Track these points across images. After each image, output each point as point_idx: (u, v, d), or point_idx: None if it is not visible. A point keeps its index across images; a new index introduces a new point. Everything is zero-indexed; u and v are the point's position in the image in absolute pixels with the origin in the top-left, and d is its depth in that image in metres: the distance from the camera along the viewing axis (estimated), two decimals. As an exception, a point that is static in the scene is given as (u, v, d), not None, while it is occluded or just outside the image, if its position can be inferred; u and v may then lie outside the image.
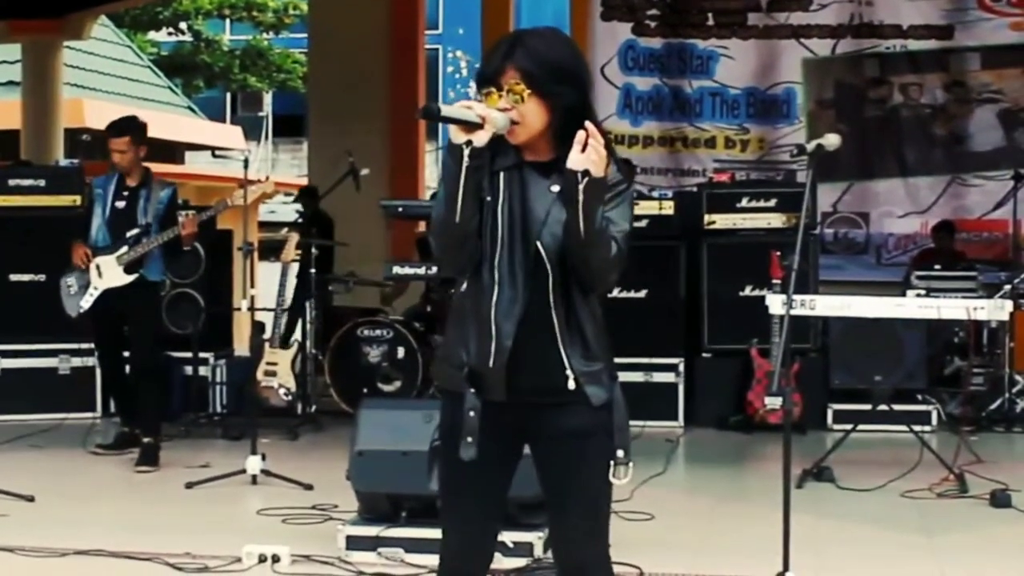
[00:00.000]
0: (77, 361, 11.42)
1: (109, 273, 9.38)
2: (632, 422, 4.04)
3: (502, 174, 3.97)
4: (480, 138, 3.82)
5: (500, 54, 3.95)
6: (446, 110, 3.80)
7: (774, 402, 9.69)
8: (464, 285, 4.04)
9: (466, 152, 3.80)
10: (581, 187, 3.76)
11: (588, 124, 3.80)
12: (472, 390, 3.94)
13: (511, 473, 4.14)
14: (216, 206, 9.80)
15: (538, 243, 3.91)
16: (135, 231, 9.37)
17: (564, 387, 3.93)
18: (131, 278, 9.35)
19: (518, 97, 3.89)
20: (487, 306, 3.92)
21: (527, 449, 4.11)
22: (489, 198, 3.95)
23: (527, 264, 3.92)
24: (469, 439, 3.93)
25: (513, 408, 3.96)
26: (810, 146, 6.10)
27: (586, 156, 3.77)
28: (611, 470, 3.98)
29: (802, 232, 6.15)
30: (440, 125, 3.93)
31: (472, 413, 3.93)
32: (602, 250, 3.84)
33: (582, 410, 3.95)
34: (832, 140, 6.07)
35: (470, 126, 3.81)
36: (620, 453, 3.98)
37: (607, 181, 3.85)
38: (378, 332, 11.35)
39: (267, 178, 9.56)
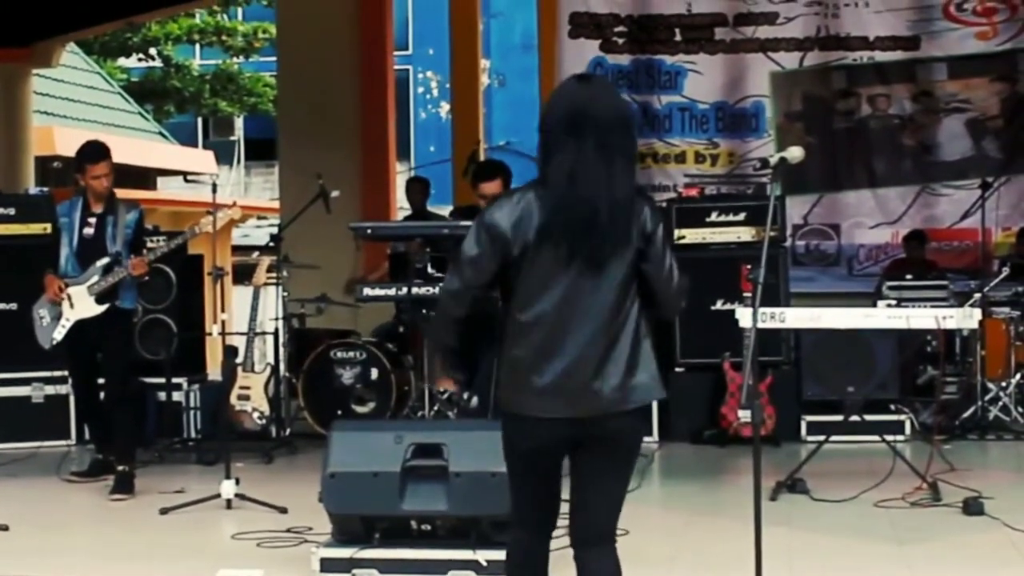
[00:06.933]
0: (50, 389, 11.43)
1: (81, 304, 9.34)
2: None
3: None
4: None
5: None
6: None
7: (747, 415, 9.77)
8: None
9: None
10: None
11: None
12: None
13: None
14: (184, 234, 9.78)
15: None
16: (106, 260, 9.34)
17: None
18: (103, 308, 9.32)
19: None
20: None
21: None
22: None
23: None
24: None
25: None
26: (773, 159, 6.12)
27: None
28: None
29: (768, 245, 6.16)
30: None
31: None
32: None
33: None
34: (795, 153, 6.09)
35: None
36: None
37: None
38: (351, 354, 11.33)
39: (234, 203, 9.56)
